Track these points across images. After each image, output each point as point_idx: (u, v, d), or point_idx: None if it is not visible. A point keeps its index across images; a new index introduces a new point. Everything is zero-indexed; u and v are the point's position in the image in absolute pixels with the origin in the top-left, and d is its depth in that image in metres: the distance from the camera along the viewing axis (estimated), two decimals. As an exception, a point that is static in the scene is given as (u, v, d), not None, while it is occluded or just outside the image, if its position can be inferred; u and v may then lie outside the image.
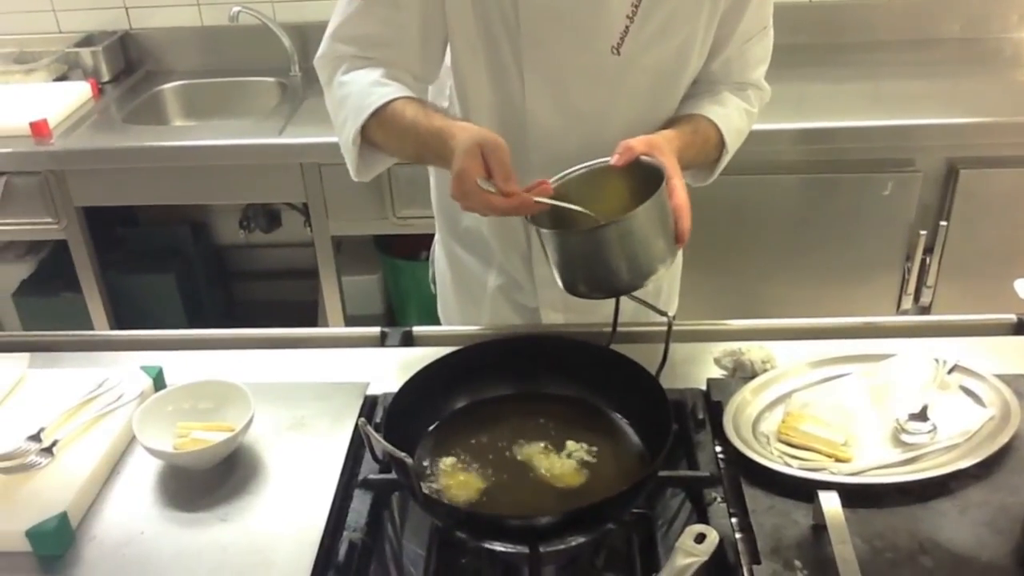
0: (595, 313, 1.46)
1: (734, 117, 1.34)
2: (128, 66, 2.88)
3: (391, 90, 1.21)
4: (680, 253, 1.24)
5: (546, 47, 1.23)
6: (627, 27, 1.21)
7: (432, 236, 1.62)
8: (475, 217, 1.46)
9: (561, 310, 1.47)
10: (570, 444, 1.10)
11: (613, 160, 1.15)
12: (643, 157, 1.14)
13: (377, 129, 1.21)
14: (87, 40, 2.83)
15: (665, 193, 1.10)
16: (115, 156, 2.38)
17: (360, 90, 1.23)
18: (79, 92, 2.62)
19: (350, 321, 2.65)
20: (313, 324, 2.80)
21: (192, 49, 2.87)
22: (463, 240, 1.51)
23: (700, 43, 1.27)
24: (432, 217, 1.57)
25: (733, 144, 1.34)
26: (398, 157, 1.28)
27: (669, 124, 1.29)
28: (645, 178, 1.12)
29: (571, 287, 1.14)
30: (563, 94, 1.26)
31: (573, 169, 1.18)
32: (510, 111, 1.29)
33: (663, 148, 1.16)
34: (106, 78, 2.78)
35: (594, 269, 1.10)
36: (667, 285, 1.56)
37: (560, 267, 1.13)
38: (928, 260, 2.31)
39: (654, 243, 1.09)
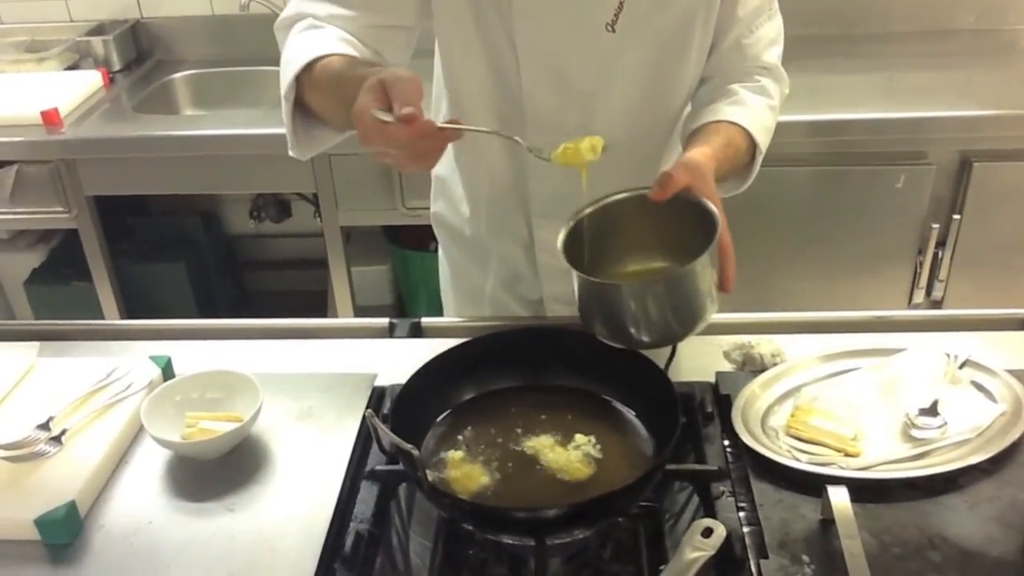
0: None
1: (761, 116, 1.28)
2: (139, 55, 2.89)
3: (334, 46, 1.13)
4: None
5: (539, 26, 1.20)
6: (621, 3, 1.17)
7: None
8: (468, 219, 1.44)
9: (565, 302, 1.45)
10: (577, 437, 1.09)
11: (651, 193, 1.09)
12: (687, 196, 1.08)
13: (308, 88, 1.13)
14: (98, 29, 2.83)
15: (716, 245, 1.03)
16: (126, 145, 2.39)
17: (304, 44, 1.15)
18: (90, 81, 2.62)
19: (359, 312, 2.65)
20: (322, 314, 2.80)
21: (203, 38, 2.87)
22: (460, 244, 1.50)
23: (703, 18, 1.22)
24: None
25: (764, 142, 1.28)
26: (333, 123, 1.17)
27: (696, 137, 1.24)
28: (685, 208, 1.07)
29: (592, 330, 1.09)
30: (559, 74, 1.23)
31: (610, 194, 1.13)
32: (506, 93, 1.27)
33: (704, 174, 1.10)
34: (117, 67, 2.79)
35: (628, 320, 1.04)
36: None
37: (592, 314, 1.08)
38: (940, 254, 2.29)
39: (699, 297, 1.04)
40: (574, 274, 1.06)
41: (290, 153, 1.24)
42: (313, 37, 1.18)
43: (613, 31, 1.19)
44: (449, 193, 1.47)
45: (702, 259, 1.01)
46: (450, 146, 1.34)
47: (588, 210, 1.12)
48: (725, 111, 1.26)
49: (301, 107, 1.18)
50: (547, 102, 1.26)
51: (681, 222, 1.08)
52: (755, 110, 1.28)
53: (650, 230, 1.12)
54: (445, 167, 1.45)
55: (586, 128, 1.25)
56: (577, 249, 1.09)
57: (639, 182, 1.26)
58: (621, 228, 1.11)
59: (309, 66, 1.13)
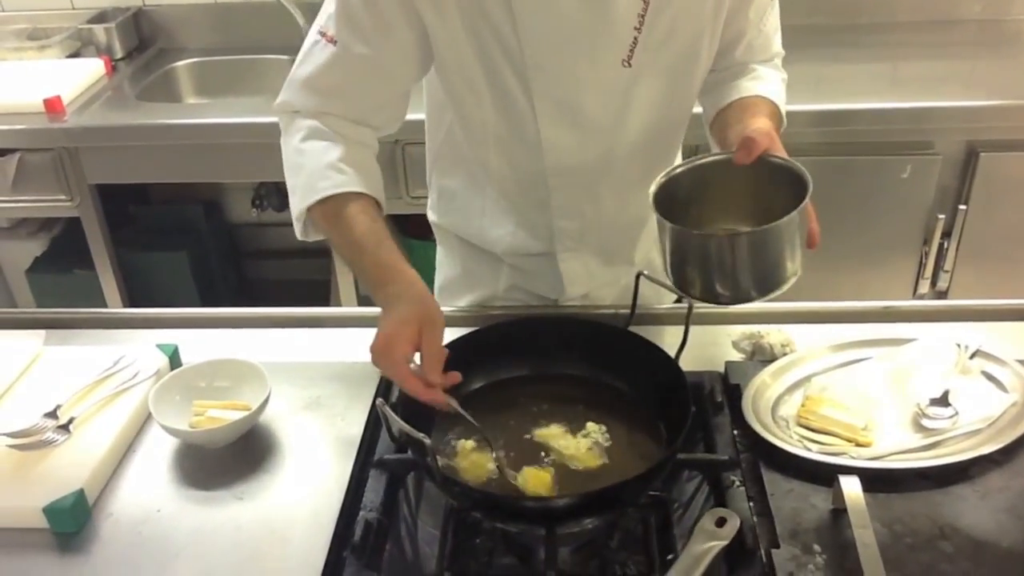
0: (608, 300, 1.44)
1: (779, 88, 1.30)
2: (141, 43, 2.87)
3: (345, 180, 1.15)
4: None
5: (554, 71, 1.17)
6: (636, 38, 1.16)
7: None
8: (480, 232, 1.41)
9: (577, 299, 1.43)
10: (588, 425, 1.09)
11: (737, 157, 1.07)
12: (771, 157, 1.07)
13: (322, 217, 1.16)
14: (100, 17, 2.81)
15: (808, 202, 1.02)
16: (128, 133, 2.37)
17: (315, 169, 1.17)
18: (92, 69, 2.61)
19: (363, 301, 2.64)
20: (325, 303, 2.79)
21: (205, 26, 2.85)
22: (470, 250, 1.47)
23: (709, 37, 1.22)
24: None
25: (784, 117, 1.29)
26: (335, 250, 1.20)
27: (734, 112, 1.24)
28: (765, 175, 1.07)
29: (681, 285, 1.07)
30: (576, 114, 1.21)
31: (694, 158, 1.12)
32: (519, 137, 1.24)
33: (778, 141, 1.09)
34: (119, 55, 2.77)
35: (719, 274, 1.03)
36: None
37: (677, 265, 1.06)
38: (946, 244, 2.28)
39: (789, 254, 1.03)
40: (668, 227, 1.04)
41: (298, 237, 1.25)
42: (325, 161, 1.18)
43: (629, 65, 1.18)
44: (465, 208, 1.42)
45: (793, 215, 1.00)
46: (462, 158, 1.35)
47: (680, 170, 1.11)
48: (752, 87, 1.27)
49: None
50: (565, 142, 1.24)
51: (764, 185, 1.06)
52: (775, 84, 1.30)
53: (736, 192, 1.11)
54: (458, 181, 1.41)
55: (605, 159, 1.25)
56: (666, 205, 1.07)
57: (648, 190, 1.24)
58: (708, 190, 1.10)
59: (324, 199, 1.15)
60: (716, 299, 1.07)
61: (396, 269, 1.11)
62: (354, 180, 1.16)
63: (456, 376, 1.06)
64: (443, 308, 1.40)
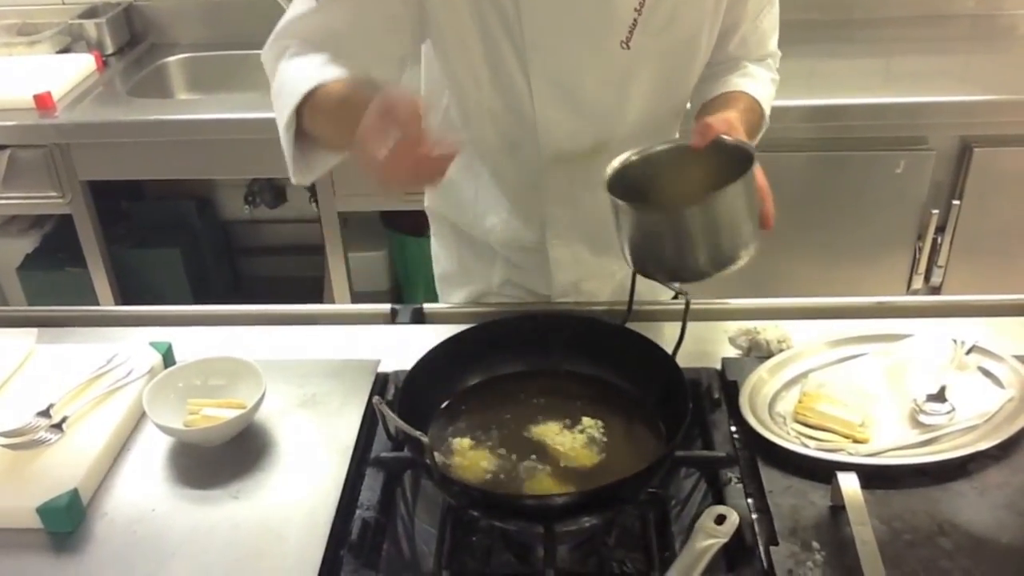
0: (602, 297, 1.44)
1: (768, 88, 1.32)
2: (132, 38, 2.85)
3: (331, 71, 1.10)
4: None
5: (552, 48, 1.18)
6: (635, 19, 1.16)
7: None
8: (473, 221, 1.41)
9: (573, 295, 1.44)
10: (585, 422, 1.09)
11: (692, 141, 1.10)
12: (724, 137, 1.09)
13: (309, 116, 1.10)
14: (91, 12, 2.79)
15: (753, 174, 1.04)
16: (120, 130, 2.36)
17: (298, 73, 1.12)
18: (83, 65, 2.59)
19: (356, 297, 2.64)
20: (318, 300, 2.78)
21: (197, 21, 2.84)
22: (464, 241, 1.47)
23: (709, 27, 1.23)
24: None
25: (768, 114, 1.32)
26: (336, 147, 1.14)
27: (714, 104, 1.26)
28: (723, 159, 1.08)
29: (640, 266, 1.10)
30: (573, 94, 1.22)
31: (649, 146, 1.13)
32: (516, 116, 1.25)
33: (738, 128, 1.12)
34: (110, 50, 2.75)
35: (672, 250, 1.05)
36: None
37: (632, 244, 1.08)
38: (940, 239, 2.29)
39: (740, 227, 1.04)
40: (620, 206, 1.06)
41: (292, 180, 1.20)
42: (305, 65, 1.13)
43: (628, 48, 1.18)
44: (458, 195, 1.42)
45: (738, 183, 1.01)
46: (459, 130, 1.32)
47: (633, 157, 1.12)
48: (738, 83, 1.29)
49: (300, 134, 1.15)
50: (561, 122, 1.24)
51: (722, 170, 1.06)
52: (762, 83, 1.31)
53: (691, 179, 1.11)
54: (453, 167, 1.40)
55: (601, 143, 1.25)
56: (621, 192, 1.08)
57: None
58: (663, 178, 1.11)
59: (309, 94, 1.09)
60: (671, 276, 1.10)
61: (362, 92, 1.00)
62: (338, 72, 1.09)
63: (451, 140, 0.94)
64: (440, 304, 1.41)
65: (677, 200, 1.10)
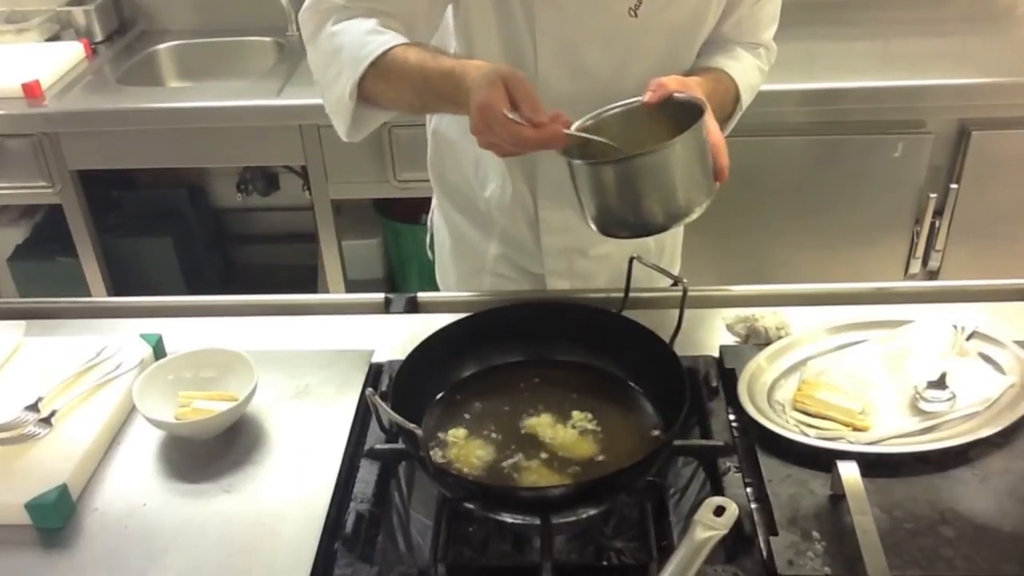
0: (599, 281, 1.44)
1: (749, 73, 1.32)
2: (121, 26, 2.82)
3: (389, 37, 1.14)
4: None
5: (561, 9, 1.19)
6: None
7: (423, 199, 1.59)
8: (476, 188, 1.42)
9: (567, 276, 1.44)
10: (582, 412, 1.08)
11: (646, 98, 1.10)
12: (677, 94, 1.10)
13: (376, 80, 1.13)
14: (79, -1, 2.77)
15: (704, 127, 1.05)
16: (109, 118, 2.34)
17: (354, 40, 1.15)
18: (72, 52, 2.56)
19: (350, 286, 2.62)
20: (312, 289, 2.77)
21: (187, 8, 2.81)
22: (463, 209, 1.48)
23: (716, 5, 1.24)
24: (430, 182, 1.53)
25: (747, 99, 1.32)
26: (399, 109, 1.20)
27: (689, 75, 1.25)
28: (678, 117, 1.08)
29: (602, 225, 1.10)
30: (576, 57, 1.23)
31: (604, 109, 1.13)
32: None
33: (694, 88, 1.12)
34: (99, 38, 2.73)
35: (629, 204, 1.06)
36: (669, 248, 1.53)
37: (591, 202, 1.08)
38: (937, 223, 2.28)
39: (693, 178, 1.05)
40: (574, 165, 1.06)
41: (344, 138, 1.23)
42: (361, 30, 1.16)
43: (635, 16, 1.19)
44: (459, 157, 1.43)
45: (687, 134, 1.01)
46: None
47: (588, 122, 1.12)
48: (719, 61, 1.30)
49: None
50: (562, 85, 1.24)
51: (676, 128, 1.06)
52: (746, 66, 1.32)
53: (646, 138, 1.10)
54: (455, 131, 1.42)
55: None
56: (576, 154, 1.08)
57: None
58: (617, 140, 1.10)
59: (376, 58, 1.12)
60: (629, 230, 1.10)
61: (462, 64, 1.08)
62: (397, 37, 1.14)
63: (560, 113, 1.04)
64: (436, 294, 1.40)
65: None
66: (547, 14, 1.19)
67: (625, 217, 1.08)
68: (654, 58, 1.24)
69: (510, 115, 1.01)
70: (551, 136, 1.02)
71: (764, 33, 1.36)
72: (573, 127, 1.09)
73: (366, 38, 1.14)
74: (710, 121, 1.08)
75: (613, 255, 1.42)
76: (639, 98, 1.12)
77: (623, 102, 1.14)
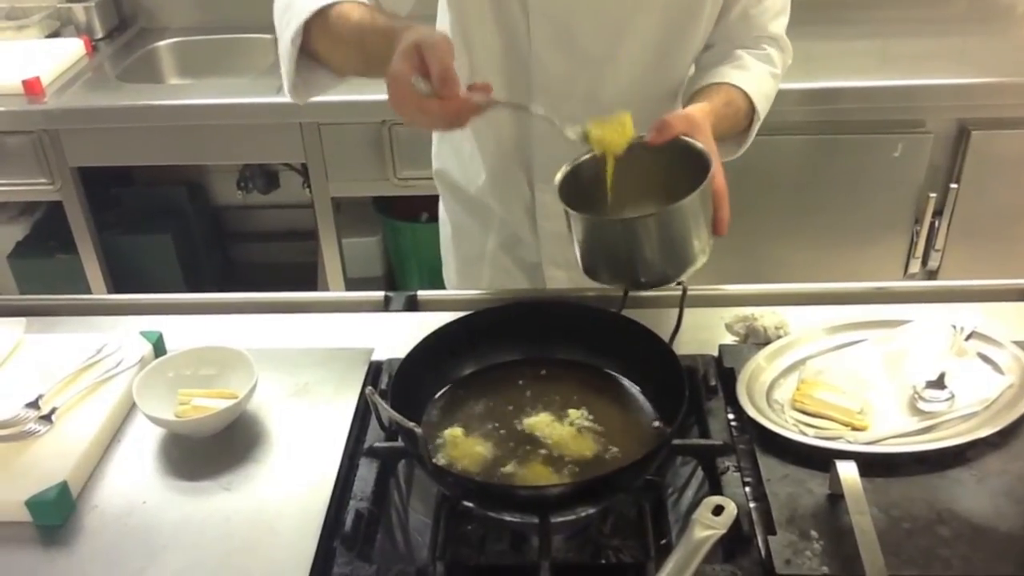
0: None
1: (762, 82, 1.29)
2: (121, 22, 2.82)
3: None
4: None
5: None
6: None
7: (432, 197, 1.59)
8: (472, 178, 1.42)
9: (563, 267, 1.45)
10: (580, 411, 1.08)
11: (649, 137, 1.08)
12: (683, 137, 1.08)
13: (321, 36, 1.10)
14: (79, -5, 2.76)
15: (710, 183, 1.03)
16: (110, 115, 2.34)
17: None
18: (72, 49, 2.56)
19: (350, 284, 2.62)
20: (312, 286, 2.77)
21: (187, 5, 2.81)
22: (463, 202, 1.49)
23: None
24: (432, 179, 1.54)
25: (764, 109, 1.29)
26: (341, 70, 1.16)
27: (698, 95, 1.24)
28: (681, 158, 1.07)
29: (593, 274, 1.09)
30: (570, 37, 1.22)
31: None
32: (515, 55, 1.25)
33: (702, 126, 1.10)
34: (99, 35, 2.73)
35: (625, 259, 1.05)
36: None
37: (585, 252, 1.07)
38: (937, 223, 2.28)
39: (693, 237, 1.03)
40: (571, 214, 1.05)
41: (289, 97, 1.20)
42: None
43: None
44: (457, 148, 1.44)
45: (693, 197, 1.00)
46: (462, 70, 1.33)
47: (585, 157, 1.10)
48: (728, 74, 1.26)
49: (303, 52, 1.15)
50: (556, 66, 1.24)
51: (677, 170, 1.06)
52: (758, 76, 1.29)
53: (646, 177, 1.10)
54: None
55: (593, 94, 1.25)
56: (574, 193, 1.07)
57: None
58: (619, 175, 1.09)
59: (319, 12, 1.09)
60: (624, 283, 1.11)
61: (399, 26, 1.02)
62: None
63: (486, 85, 0.98)
64: (435, 292, 1.40)
65: (633, 199, 1.08)
66: None
67: (616, 270, 1.08)
68: (649, 38, 1.23)
69: (419, 85, 0.94)
70: (456, 110, 0.95)
71: (773, 24, 1.32)
72: (579, 158, 1.08)
73: None
74: (717, 167, 1.05)
75: None
76: (642, 135, 1.09)
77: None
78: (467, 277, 1.54)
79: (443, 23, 1.33)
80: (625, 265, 1.06)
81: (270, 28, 1.28)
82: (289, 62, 1.14)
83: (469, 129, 1.39)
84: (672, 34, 1.25)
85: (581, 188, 1.08)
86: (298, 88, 1.18)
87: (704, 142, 1.08)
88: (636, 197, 1.10)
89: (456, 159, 1.46)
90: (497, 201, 1.43)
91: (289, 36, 1.12)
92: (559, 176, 1.09)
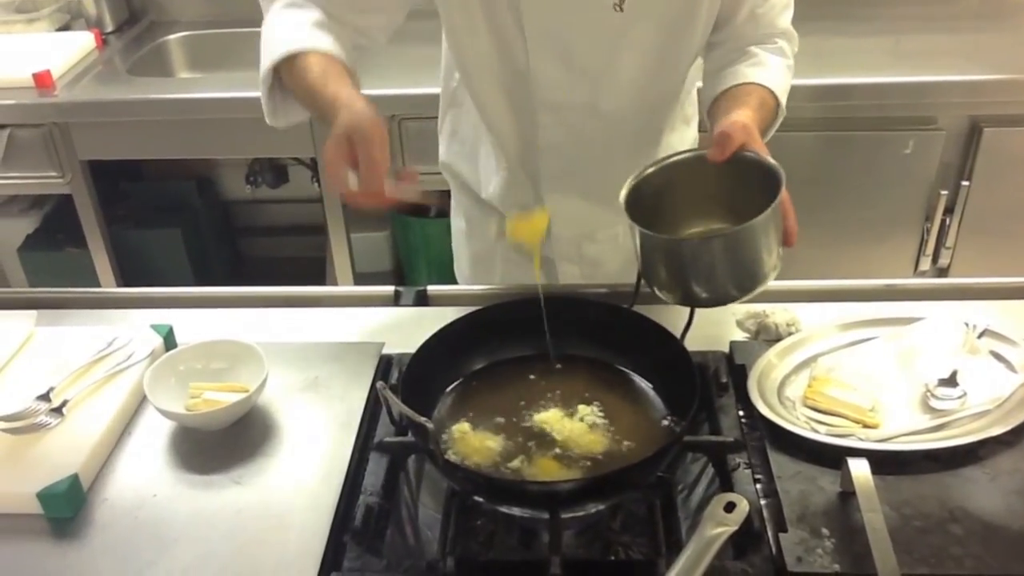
0: (610, 265, 1.44)
1: (781, 76, 1.28)
2: (132, 16, 2.82)
3: (311, 38, 1.16)
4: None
5: (547, 8, 1.19)
6: None
7: (441, 192, 1.59)
8: (483, 183, 1.43)
9: (576, 262, 1.46)
10: (591, 407, 1.08)
11: (711, 154, 1.08)
12: (745, 152, 1.07)
13: (287, 77, 1.17)
14: (90, -11, 2.77)
15: (782, 197, 1.01)
16: (120, 108, 2.34)
17: (285, 32, 1.18)
18: (82, 43, 2.56)
19: (359, 278, 2.62)
20: (320, 281, 2.77)
21: (197, -1, 2.81)
22: (473, 198, 1.49)
23: None
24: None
25: (784, 103, 1.29)
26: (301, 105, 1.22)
27: (727, 99, 1.23)
28: (741, 170, 1.06)
29: (657, 290, 1.08)
30: (567, 52, 1.23)
31: (666, 156, 1.12)
32: (512, 71, 1.26)
33: (756, 135, 1.09)
34: (109, 28, 2.73)
35: (692, 278, 1.04)
36: None
37: (653, 269, 1.06)
38: (948, 220, 2.27)
39: (765, 254, 1.02)
40: (637, 231, 1.04)
41: (268, 121, 1.26)
42: (291, 23, 1.19)
43: (621, 10, 1.18)
44: (469, 152, 1.45)
45: (766, 214, 0.99)
46: (468, 103, 1.37)
47: (650, 169, 1.10)
48: (749, 73, 1.25)
49: (279, 82, 1.21)
50: (555, 79, 1.25)
51: (739, 182, 1.06)
52: (777, 71, 1.28)
53: (709, 191, 1.10)
54: (466, 125, 1.43)
55: (594, 103, 1.26)
56: (638, 207, 1.07)
57: (642, 153, 1.25)
58: (681, 189, 1.09)
59: (288, 56, 1.15)
60: (695, 302, 1.08)
61: (339, 97, 1.07)
62: (320, 40, 1.16)
63: (412, 173, 1.04)
64: (445, 287, 1.40)
65: (695, 213, 1.08)
66: (534, 13, 1.19)
67: (686, 288, 1.06)
68: (645, 50, 1.23)
69: (349, 179, 1.01)
70: (379, 202, 1.02)
71: (780, 20, 1.32)
72: (633, 177, 1.08)
73: (293, 33, 1.17)
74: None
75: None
76: (703, 150, 1.09)
77: (687, 151, 1.13)
78: (479, 271, 1.54)
79: (449, 72, 1.37)
80: (693, 284, 1.04)
81: (281, 23, 1.28)
82: (264, 93, 1.22)
83: (478, 139, 1.42)
84: (669, 42, 1.25)
85: (645, 201, 1.07)
86: (275, 115, 1.24)
87: (759, 150, 1.08)
88: (697, 211, 1.10)
89: (465, 162, 1.47)
90: (506, 207, 1.43)
91: (261, 73, 1.19)
92: (624, 191, 1.08)
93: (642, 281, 1.16)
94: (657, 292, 1.09)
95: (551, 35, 1.21)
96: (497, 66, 1.27)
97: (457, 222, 1.58)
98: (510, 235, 1.08)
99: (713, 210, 1.08)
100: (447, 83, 1.43)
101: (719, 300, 1.06)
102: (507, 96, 1.30)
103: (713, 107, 1.26)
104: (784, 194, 1.03)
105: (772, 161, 1.06)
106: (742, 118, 1.12)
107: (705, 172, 1.09)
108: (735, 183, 1.07)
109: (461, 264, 1.60)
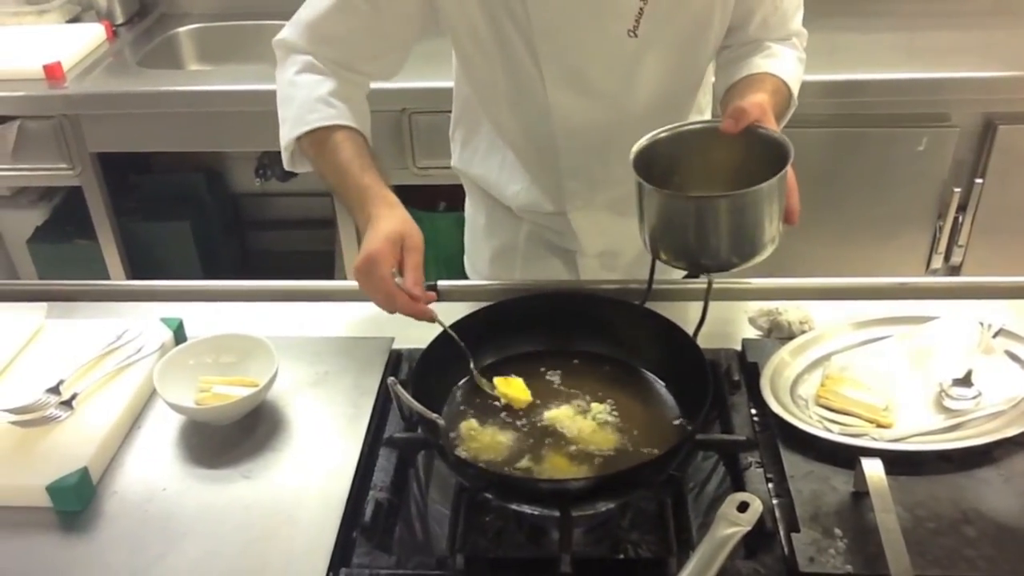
0: (631, 258, 1.44)
1: (793, 68, 1.30)
2: (142, 8, 2.82)
3: (334, 113, 1.19)
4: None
5: (560, 38, 1.19)
6: (641, 8, 1.17)
7: (451, 187, 1.58)
8: (500, 187, 1.42)
9: (598, 256, 1.45)
10: (603, 405, 1.07)
11: (723, 125, 1.07)
12: (758, 126, 1.07)
13: (310, 147, 1.20)
14: (100, -20, 2.76)
15: (788, 171, 1.02)
16: (130, 101, 2.33)
17: (305, 101, 1.21)
18: (93, 34, 2.56)
19: (367, 273, 2.61)
20: (329, 275, 2.77)
21: (208, -9, 2.81)
22: (492, 197, 1.48)
23: (720, 9, 1.22)
24: (450, 168, 1.53)
25: (797, 94, 1.30)
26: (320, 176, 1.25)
27: (742, 85, 1.24)
28: (750, 145, 1.06)
29: (657, 251, 1.08)
30: (583, 79, 1.23)
31: (681, 124, 1.12)
32: (530, 100, 1.27)
33: (770, 113, 1.10)
34: (120, 20, 2.72)
35: (694, 239, 1.03)
36: None
37: (655, 229, 1.06)
38: (961, 218, 2.25)
39: (768, 222, 1.02)
40: (644, 187, 1.04)
41: (286, 168, 1.29)
42: (314, 93, 1.21)
43: (635, 36, 1.19)
44: (485, 163, 1.44)
45: (772, 182, 0.99)
46: (478, 108, 1.37)
47: (663, 134, 1.10)
48: (763, 64, 1.27)
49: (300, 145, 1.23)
50: (573, 107, 1.26)
51: (749, 155, 1.05)
52: (790, 63, 1.29)
53: (719, 161, 1.10)
54: (480, 138, 1.42)
55: (614, 123, 1.26)
56: (645, 167, 1.06)
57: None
58: (691, 158, 1.09)
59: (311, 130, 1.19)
60: (690, 265, 1.09)
61: (377, 192, 1.13)
62: (343, 114, 1.20)
63: (432, 295, 1.11)
64: (457, 282, 1.39)
65: (703, 182, 1.08)
66: (548, 45, 1.20)
67: (686, 250, 1.06)
68: (661, 72, 1.24)
69: (397, 280, 1.06)
70: (422, 312, 1.07)
71: (792, 23, 1.33)
72: (645, 138, 1.09)
73: (315, 105, 1.20)
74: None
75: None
76: (709, 120, 1.10)
77: (701, 120, 1.14)
78: (501, 266, 1.53)
79: (461, 87, 1.38)
80: (693, 245, 1.04)
81: (289, 15, 1.28)
82: (286, 152, 1.25)
83: (494, 148, 1.41)
84: (684, 61, 1.26)
85: (654, 167, 1.07)
86: (292, 165, 1.27)
87: (775, 129, 1.08)
88: (705, 181, 1.09)
89: (482, 169, 1.45)
90: (526, 213, 1.44)
91: (283, 140, 1.23)
92: (635, 148, 1.08)
93: (654, 278, 1.15)
94: (657, 252, 1.08)
95: (567, 65, 1.22)
96: (513, 96, 1.28)
97: (476, 218, 1.56)
98: (502, 396, 1.09)
99: (720, 181, 1.08)
100: (458, 93, 1.42)
101: (718, 265, 1.06)
102: (524, 122, 1.31)
103: (727, 96, 1.27)
104: (791, 170, 1.03)
105: (783, 136, 1.06)
106: (759, 98, 1.12)
107: (717, 143, 1.09)
108: (745, 156, 1.07)
109: (476, 259, 1.58)
